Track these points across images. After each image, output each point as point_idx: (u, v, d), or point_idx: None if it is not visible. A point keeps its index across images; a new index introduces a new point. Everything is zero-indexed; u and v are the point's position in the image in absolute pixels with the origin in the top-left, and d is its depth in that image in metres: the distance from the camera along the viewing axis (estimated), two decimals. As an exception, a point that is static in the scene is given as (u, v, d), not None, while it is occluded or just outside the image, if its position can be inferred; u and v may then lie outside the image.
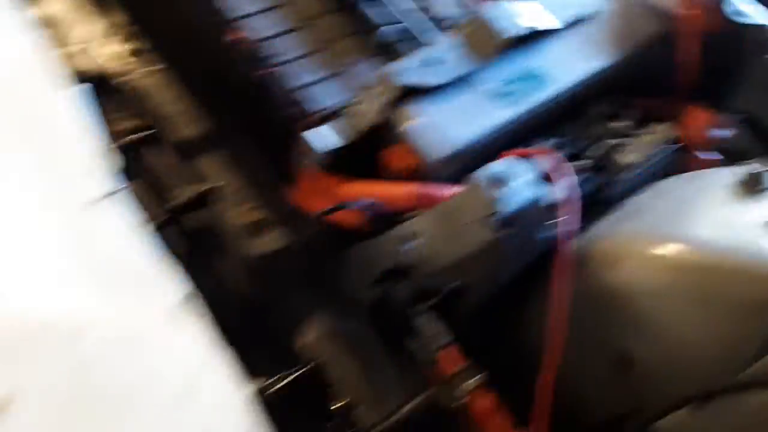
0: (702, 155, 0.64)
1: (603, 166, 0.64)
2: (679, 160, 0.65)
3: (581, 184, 0.62)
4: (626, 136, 0.66)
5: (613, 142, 0.65)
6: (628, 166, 0.61)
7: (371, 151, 0.63)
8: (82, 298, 0.41)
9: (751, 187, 0.47)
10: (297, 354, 0.69)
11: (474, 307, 0.58)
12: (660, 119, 0.67)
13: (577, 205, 0.52)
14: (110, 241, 0.49)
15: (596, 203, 0.60)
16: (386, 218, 0.60)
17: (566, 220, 0.52)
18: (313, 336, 0.72)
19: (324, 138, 0.63)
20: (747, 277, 0.41)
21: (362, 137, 0.62)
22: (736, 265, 0.41)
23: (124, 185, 0.54)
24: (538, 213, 0.51)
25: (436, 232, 0.54)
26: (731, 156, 0.65)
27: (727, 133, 0.66)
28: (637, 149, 0.64)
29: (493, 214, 0.49)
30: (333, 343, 0.71)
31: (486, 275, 0.53)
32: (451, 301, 0.57)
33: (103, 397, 0.36)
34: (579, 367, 0.49)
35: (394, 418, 0.55)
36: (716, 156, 0.64)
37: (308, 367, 0.67)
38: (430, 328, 0.56)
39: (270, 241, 0.75)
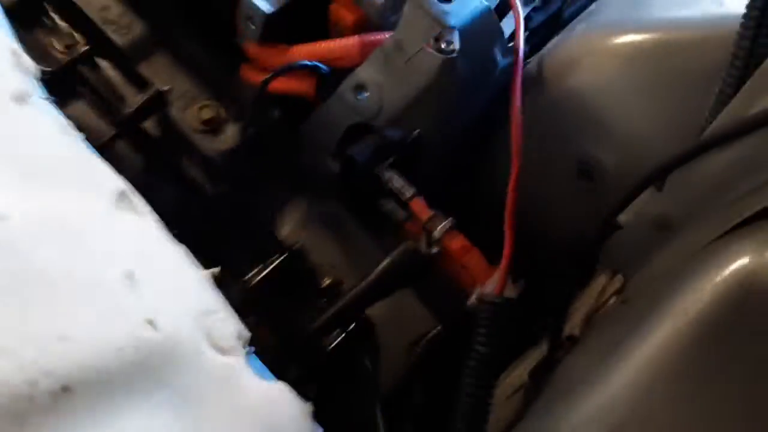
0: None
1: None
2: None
3: (537, 9, 0.59)
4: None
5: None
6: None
7: (317, 12, 0.59)
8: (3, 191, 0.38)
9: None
10: (275, 245, 0.67)
11: (439, 156, 0.56)
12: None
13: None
14: (36, 139, 0.46)
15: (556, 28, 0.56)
16: (333, 79, 0.56)
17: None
18: (288, 225, 0.70)
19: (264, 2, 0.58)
20: (697, 44, 0.38)
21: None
22: (686, 36, 0.39)
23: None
24: (492, 25, 0.47)
25: (385, 73, 0.50)
26: None
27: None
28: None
29: (442, 30, 0.45)
30: (309, 228, 0.70)
31: (447, 109, 0.50)
32: (414, 152, 0.55)
33: (36, 281, 0.33)
34: (544, 186, 0.48)
35: (375, 274, 0.54)
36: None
37: (288, 253, 0.66)
38: (398, 182, 0.54)
39: (228, 138, 0.72)
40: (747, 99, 0.35)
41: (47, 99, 0.50)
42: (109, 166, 0.47)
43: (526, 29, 0.58)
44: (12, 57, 0.48)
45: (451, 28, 0.46)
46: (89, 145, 0.47)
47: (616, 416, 0.32)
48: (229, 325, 0.42)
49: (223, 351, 0.40)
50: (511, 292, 0.44)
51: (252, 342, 0.43)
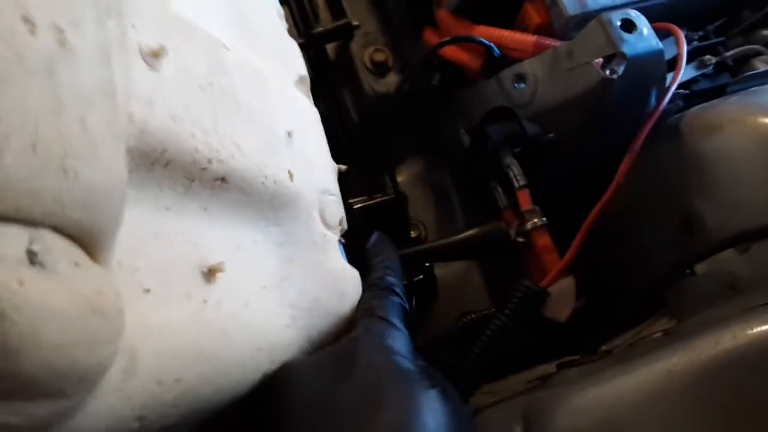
0: None
1: (734, 68, 0.62)
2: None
3: (706, 76, 0.62)
4: (770, 47, 0.64)
5: (754, 48, 0.63)
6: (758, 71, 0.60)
7: (510, 4, 0.65)
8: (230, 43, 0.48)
9: None
10: (392, 184, 0.75)
11: (560, 161, 0.61)
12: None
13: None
14: (262, 14, 0.56)
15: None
16: (500, 63, 0.62)
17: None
18: (401, 176, 0.78)
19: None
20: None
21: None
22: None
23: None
24: (659, 66, 0.51)
25: (548, 72, 0.56)
26: None
27: None
28: (776, 59, 0.62)
29: (614, 53, 0.50)
30: (417, 184, 0.78)
31: (587, 124, 0.55)
32: (540, 151, 0.60)
33: (231, 99, 0.42)
34: (644, 221, 0.51)
35: (461, 237, 0.60)
36: None
37: (397, 196, 0.73)
38: (516, 169, 0.60)
39: (388, 83, 0.80)
40: None
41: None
42: (301, 55, 0.56)
43: (689, 89, 0.62)
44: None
45: (622, 54, 0.50)
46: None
47: (613, 410, 0.36)
48: (337, 209, 0.50)
49: (326, 225, 0.48)
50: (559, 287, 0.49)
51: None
